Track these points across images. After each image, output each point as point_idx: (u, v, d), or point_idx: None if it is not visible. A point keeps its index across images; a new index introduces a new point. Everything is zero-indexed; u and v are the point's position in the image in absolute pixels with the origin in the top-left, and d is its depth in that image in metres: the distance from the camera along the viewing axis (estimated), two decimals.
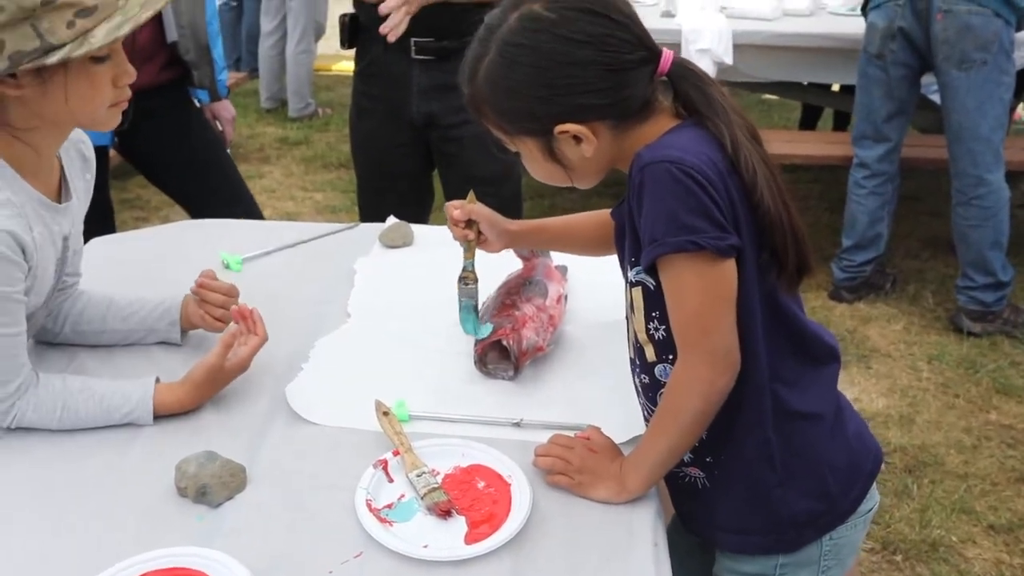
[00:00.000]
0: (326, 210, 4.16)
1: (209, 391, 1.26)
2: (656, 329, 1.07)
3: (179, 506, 1.08)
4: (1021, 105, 3.79)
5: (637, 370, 1.15)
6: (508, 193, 2.23)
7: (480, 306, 1.44)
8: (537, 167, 1.09)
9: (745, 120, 1.03)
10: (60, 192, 1.24)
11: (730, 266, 0.99)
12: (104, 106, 1.15)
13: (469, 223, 1.34)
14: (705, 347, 1.01)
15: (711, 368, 1.01)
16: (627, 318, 1.13)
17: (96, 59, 1.10)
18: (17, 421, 1.17)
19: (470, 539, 1.04)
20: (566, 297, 1.53)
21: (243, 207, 2.42)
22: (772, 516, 1.10)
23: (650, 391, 1.12)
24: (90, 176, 1.33)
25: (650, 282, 1.04)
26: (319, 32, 5.55)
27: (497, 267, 1.55)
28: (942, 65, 2.84)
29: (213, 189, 2.41)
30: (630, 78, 1.01)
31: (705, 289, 0.99)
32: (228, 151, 2.62)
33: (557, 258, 1.62)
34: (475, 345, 1.37)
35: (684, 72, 1.04)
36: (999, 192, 2.90)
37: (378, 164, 2.31)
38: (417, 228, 1.86)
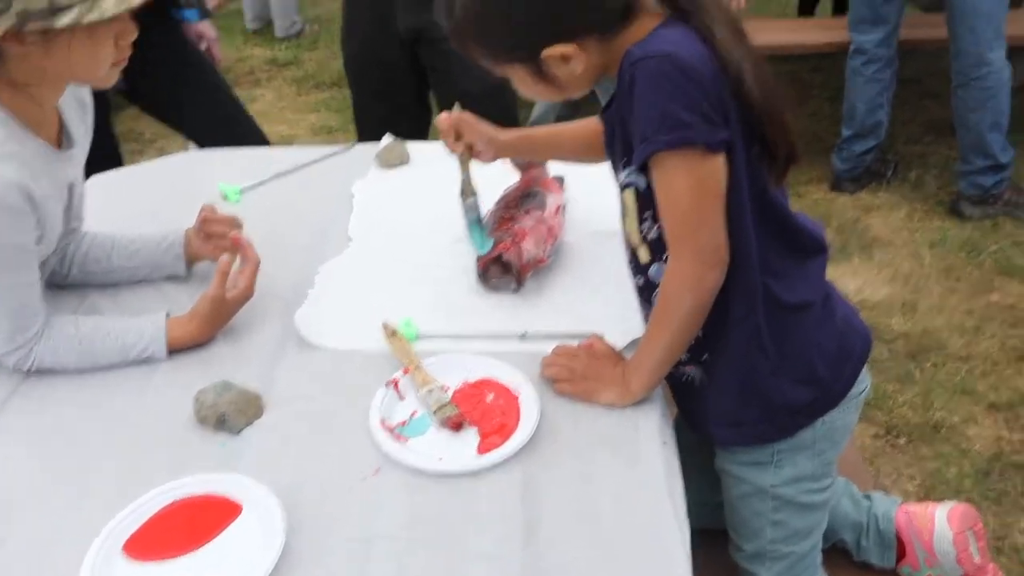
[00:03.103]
0: (322, 131, 4.12)
1: (217, 322, 1.28)
2: (649, 230, 1.08)
3: (201, 435, 1.12)
4: None
5: (632, 272, 1.17)
6: (503, 105, 2.20)
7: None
8: (528, 90, 1.09)
9: (727, 14, 1.01)
10: (61, 140, 1.24)
11: (720, 162, 1.00)
12: (106, 65, 1.14)
13: (459, 135, 1.35)
14: (695, 244, 1.03)
15: (701, 264, 1.03)
16: (621, 222, 1.15)
17: None
18: (37, 365, 1.21)
19: (482, 449, 1.08)
20: (564, 207, 1.54)
21: (244, 128, 2.41)
22: (766, 406, 1.14)
23: (646, 292, 1.15)
24: (89, 120, 1.33)
25: (641, 183, 1.05)
26: None
27: (495, 181, 1.56)
28: None
29: (213, 112, 2.39)
30: None
31: (695, 186, 1.00)
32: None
33: (555, 168, 1.62)
34: (477, 260, 1.39)
35: None
36: (1000, 72, 2.86)
37: (371, 82, 2.29)
38: (413, 146, 1.85)
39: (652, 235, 1.08)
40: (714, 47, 0.97)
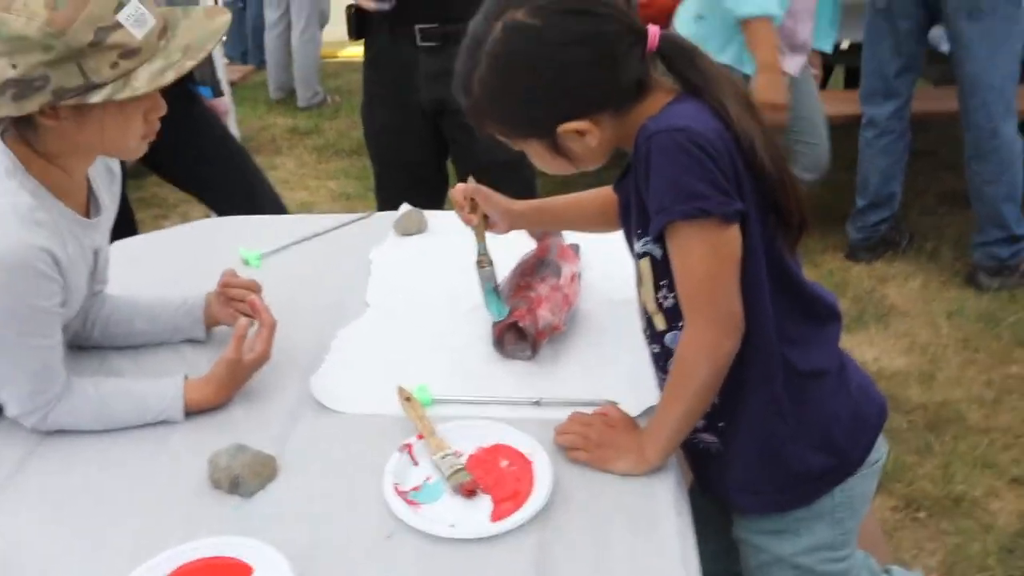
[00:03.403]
0: (341, 198, 4.19)
1: (233, 385, 1.29)
2: (665, 298, 1.09)
3: (215, 498, 1.12)
4: None
5: (648, 340, 1.17)
6: (523, 177, 2.24)
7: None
8: (544, 163, 1.11)
9: (737, 88, 1.04)
10: (89, 207, 1.28)
11: (735, 232, 1.01)
12: (136, 138, 1.18)
13: (474, 207, 1.37)
14: (711, 312, 1.04)
15: (717, 332, 1.04)
16: (637, 290, 1.16)
17: None
18: (55, 425, 1.22)
19: (496, 517, 1.07)
20: (580, 275, 1.55)
21: (262, 196, 2.45)
22: (785, 473, 1.14)
23: (661, 360, 1.15)
24: (116, 188, 1.37)
25: (657, 252, 1.06)
26: (323, 19, 5.56)
27: (511, 248, 1.58)
28: (952, 15, 2.81)
29: (231, 180, 2.43)
30: (623, 65, 1.02)
31: (711, 255, 1.01)
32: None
33: (570, 237, 1.64)
34: (492, 327, 1.40)
35: (672, 47, 1.05)
36: (1012, 144, 2.88)
37: (391, 153, 2.33)
38: (431, 215, 1.88)
39: (668, 303, 1.09)
40: (727, 120, 1.00)
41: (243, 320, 1.31)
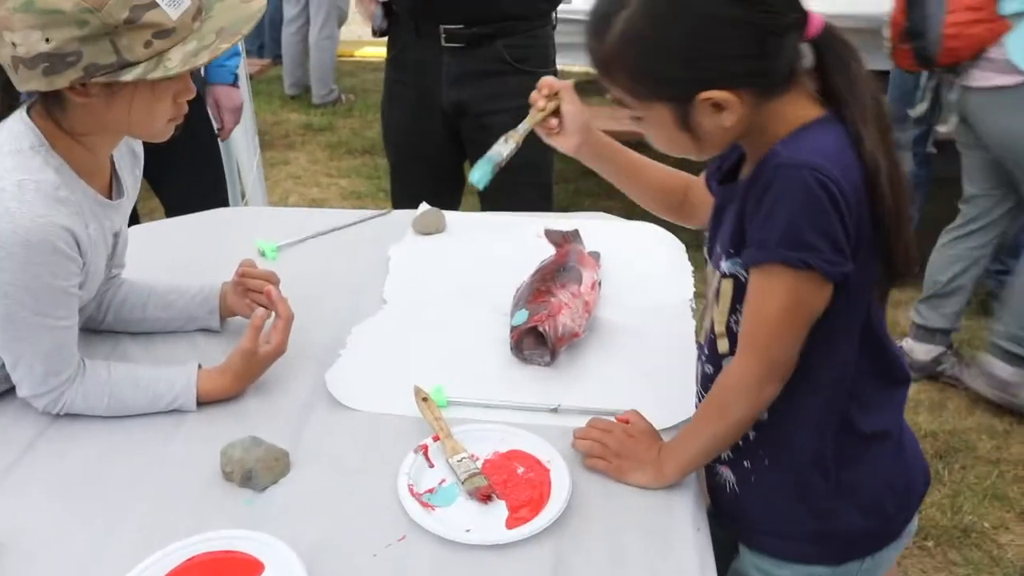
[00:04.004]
0: (352, 196, 4.18)
1: (248, 376, 1.27)
2: (737, 323, 1.04)
3: (226, 490, 1.10)
4: None
5: (704, 359, 1.13)
6: (541, 181, 2.23)
7: (515, 292, 1.46)
8: (662, 135, 1.01)
9: (879, 108, 0.96)
10: (111, 188, 1.26)
11: (828, 291, 0.95)
12: (163, 120, 1.16)
13: (551, 97, 1.22)
14: (765, 354, 0.99)
15: (764, 375, 1.00)
16: (708, 305, 1.10)
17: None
18: (66, 409, 1.20)
19: (511, 524, 1.05)
20: (600, 283, 1.53)
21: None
22: (822, 527, 1.08)
23: (709, 382, 1.10)
24: (139, 172, 1.35)
25: (743, 275, 1.00)
26: (342, 18, 5.56)
27: (530, 255, 1.57)
28: None
29: (188, 181, 2.32)
30: (778, 41, 0.93)
31: (793, 304, 0.96)
32: (221, 141, 2.47)
33: (590, 244, 1.63)
34: (511, 331, 1.38)
35: (831, 41, 0.96)
36: None
37: (409, 151, 2.31)
38: (449, 215, 1.86)
39: (738, 329, 1.04)
40: (860, 150, 0.93)
41: (260, 311, 1.29)
